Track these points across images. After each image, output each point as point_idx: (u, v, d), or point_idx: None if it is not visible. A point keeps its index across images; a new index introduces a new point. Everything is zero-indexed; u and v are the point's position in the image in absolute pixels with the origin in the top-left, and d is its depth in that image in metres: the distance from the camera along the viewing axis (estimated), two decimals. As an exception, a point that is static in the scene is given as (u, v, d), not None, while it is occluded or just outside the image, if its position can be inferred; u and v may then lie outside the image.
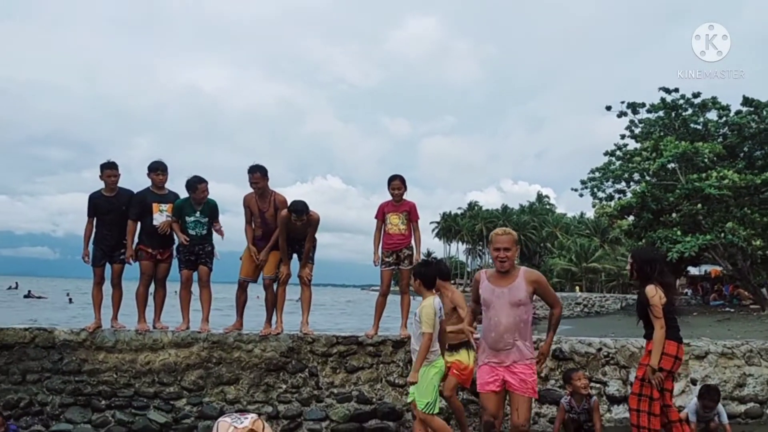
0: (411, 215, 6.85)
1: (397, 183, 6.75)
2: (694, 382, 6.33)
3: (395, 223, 6.79)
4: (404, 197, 6.82)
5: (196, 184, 6.89)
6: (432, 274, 5.05)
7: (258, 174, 6.76)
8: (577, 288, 59.24)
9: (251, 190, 6.91)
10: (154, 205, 6.97)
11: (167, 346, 6.80)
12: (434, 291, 5.09)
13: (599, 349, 6.78)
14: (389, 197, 6.83)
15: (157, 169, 7.04)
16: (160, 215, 6.96)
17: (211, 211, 7.06)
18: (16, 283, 78.29)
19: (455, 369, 5.58)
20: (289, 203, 6.68)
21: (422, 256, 6.86)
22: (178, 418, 6.54)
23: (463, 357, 5.60)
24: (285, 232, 6.70)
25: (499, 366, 4.59)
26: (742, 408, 6.57)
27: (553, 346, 6.60)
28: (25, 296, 55.96)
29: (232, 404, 6.57)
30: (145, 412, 6.60)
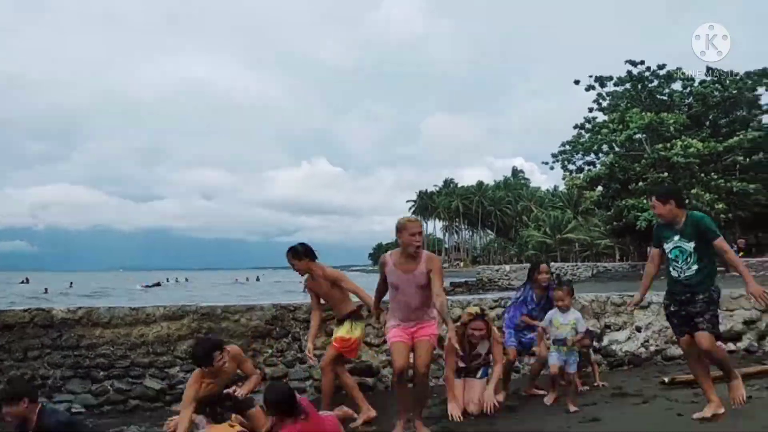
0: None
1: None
2: (638, 329, 7.02)
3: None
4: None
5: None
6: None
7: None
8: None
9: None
10: None
11: (159, 319, 7.32)
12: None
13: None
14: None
15: None
16: None
17: None
18: (27, 278, 77.09)
19: (336, 343, 5.64)
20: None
21: None
22: (173, 384, 7.07)
23: (344, 330, 5.62)
24: None
25: (407, 328, 4.95)
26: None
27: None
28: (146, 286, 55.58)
29: (222, 369, 7.12)
30: (142, 380, 7.13)
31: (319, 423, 4.41)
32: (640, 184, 31.47)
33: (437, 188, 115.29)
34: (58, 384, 7.12)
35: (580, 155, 36.72)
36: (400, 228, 4.83)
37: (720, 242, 4.61)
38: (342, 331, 5.65)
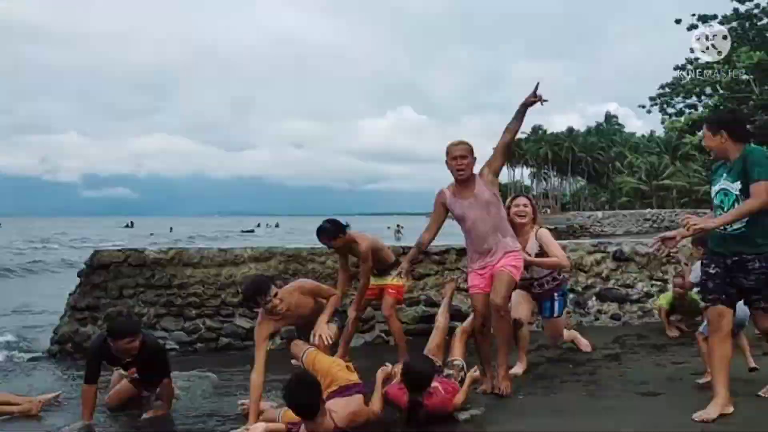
0: None
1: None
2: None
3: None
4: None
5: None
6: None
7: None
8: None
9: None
10: None
11: (247, 260, 7.36)
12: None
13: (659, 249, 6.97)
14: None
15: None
16: None
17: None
18: (131, 221, 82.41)
19: (391, 289, 5.58)
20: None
21: None
22: (262, 324, 7.13)
23: (395, 279, 5.44)
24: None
25: (486, 267, 4.51)
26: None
27: (614, 248, 6.83)
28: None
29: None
30: (232, 319, 7.23)
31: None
32: (748, 127, 29.38)
33: (525, 135, 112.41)
34: (153, 321, 7.31)
35: (680, 98, 34.80)
36: (445, 154, 4.53)
37: (760, 186, 3.38)
38: (391, 280, 5.53)
